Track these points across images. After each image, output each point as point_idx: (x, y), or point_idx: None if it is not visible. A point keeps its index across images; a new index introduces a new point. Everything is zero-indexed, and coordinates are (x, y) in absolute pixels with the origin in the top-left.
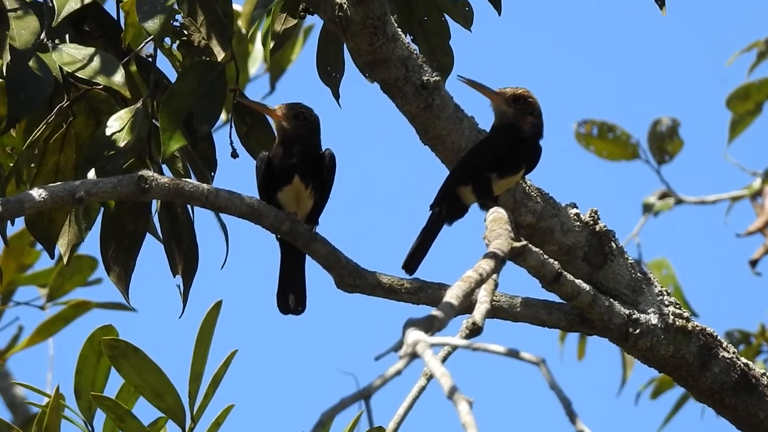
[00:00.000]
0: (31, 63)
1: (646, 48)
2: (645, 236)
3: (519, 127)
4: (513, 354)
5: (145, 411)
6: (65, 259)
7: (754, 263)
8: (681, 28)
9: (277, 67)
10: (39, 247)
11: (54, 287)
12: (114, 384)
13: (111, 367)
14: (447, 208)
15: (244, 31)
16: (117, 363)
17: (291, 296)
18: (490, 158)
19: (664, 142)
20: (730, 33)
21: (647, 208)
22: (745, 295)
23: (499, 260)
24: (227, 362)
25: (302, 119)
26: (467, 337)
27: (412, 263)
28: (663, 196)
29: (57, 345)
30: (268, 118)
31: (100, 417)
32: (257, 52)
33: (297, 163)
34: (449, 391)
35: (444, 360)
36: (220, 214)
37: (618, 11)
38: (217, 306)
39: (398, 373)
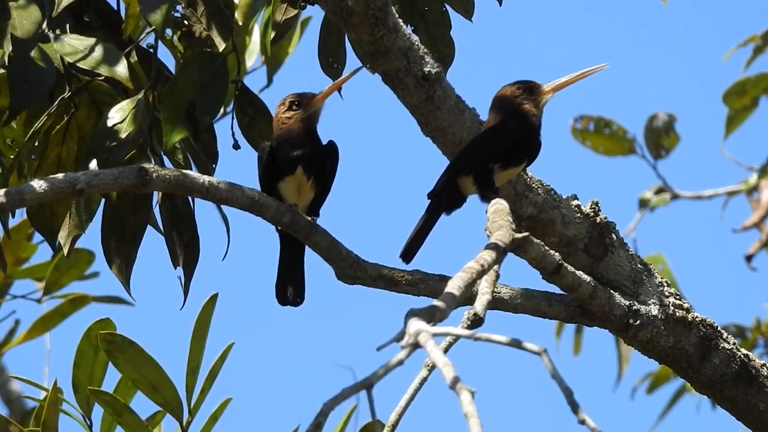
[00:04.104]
0: (33, 54)
1: (643, 43)
2: (641, 231)
3: (530, 118)
4: (515, 344)
5: (142, 405)
6: (65, 251)
7: (749, 258)
8: (677, 23)
9: (274, 59)
10: (36, 240)
11: (51, 281)
12: (112, 378)
13: (109, 361)
14: (446, 197)
15: (240, 23)
16: (114, 357)
17: (290, 288)
18: (500, 148)
19: (661, 138)
20: (727, 28)
21: (643, 203)
22: (740, 290)
23: (500, 251)
24: (224, 355)
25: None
26: (468, 328)
27: (409, 252)
28: (659, 191)
29: (54, 339)
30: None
31: (98, 411)
32: (254, 45)
33: (302, 154)
34: (451, 382)
35: (446, 351)
36: (222, 205)
37: (615, 6)
38: (213, 299)
39: (400, 363)
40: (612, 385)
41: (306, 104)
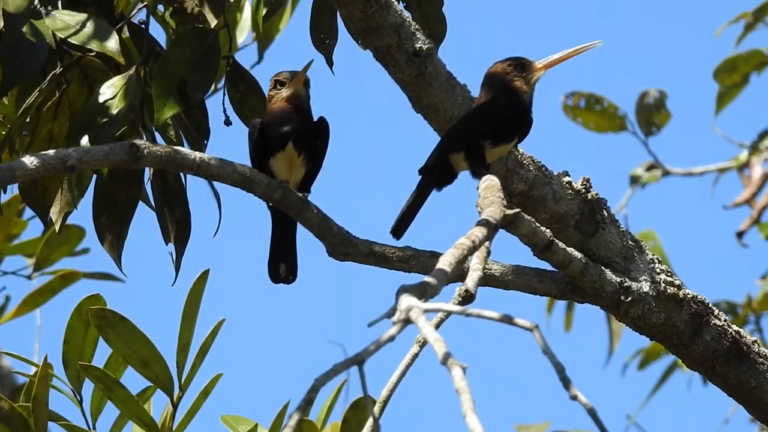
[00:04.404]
0: (24, 29)
1: (634, 20)
2: (632, 208)
3: (521, 95)
4: (507, 320)
5: (133, 380)
6: (57, 227)
7: (740, 235)
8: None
9: (265, 36)
10: (26, 216)
11: (41, 257)
12: (102, 354)
13: (99, 336)
14: (437, 173)
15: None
16: (104, 333)
17: (282, 265)
18: (492, 124)
19: (652, 114)
20: (718, 5)
21: (634, 180)
22: (731, 267)
23: (491, 228)
24: (215, 331)
25: (308, 87)
26: (460, 304)
27: (399, 228)
28: (650, 168)
29: (44, 315)
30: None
31: (88, 386)
32: (245, 21)
33: (292, 131)
34: (443, 357)
35: (437, 327)
36: (213, 182)
37: None
38: (204, 275)
39: (392, 338)
40: (603, 362)
41: (288, 84)
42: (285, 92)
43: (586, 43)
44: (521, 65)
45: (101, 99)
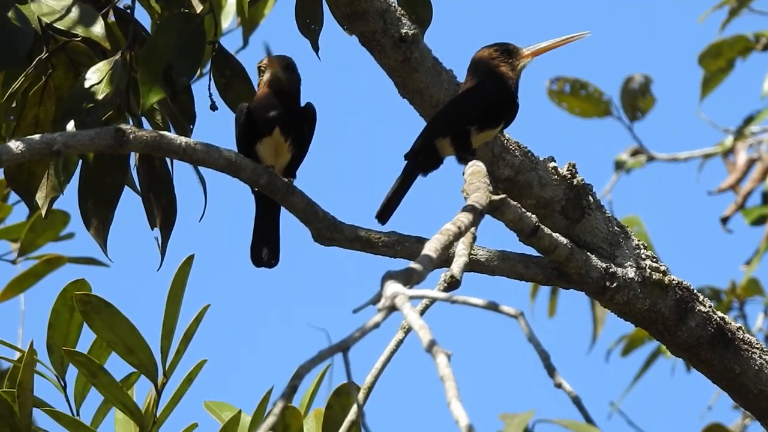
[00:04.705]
0: (9, 14)
1: (619, 5)
2: (617, 193)
3: (507, 81)
4: (492, 307)
5: (117, 366)
6: (43, 212)
7: (725, 220)
8: None
9: (250, 21)
10: (11, 201)
11: (26, 242)
12: (86, 339)
13: (83, 322)
14: (423, 159)
15: None
16: (89, 318)
17: (265, 249)
18: (478, 109)
19: (637, 99)
20: None
21: (619, 165)
22: (716, 252)
23: (477, 213)
24: (199, 317)
25: (291, 70)
26: (445, 290)
27: (385, 213)
28: (635, 153)
29: (29, 300)
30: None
31: (72, 372)
32: (230, 6)
33: (279, 115)
34: (428, 344)
35: (422, 313)
36: (199, 167)
37: None
38: (189, 261)
39: (377, 325)
40: (587, 348)
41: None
42: (264, 77)
43: (574, 34)
44: (508, 51)
45: (87, 84)
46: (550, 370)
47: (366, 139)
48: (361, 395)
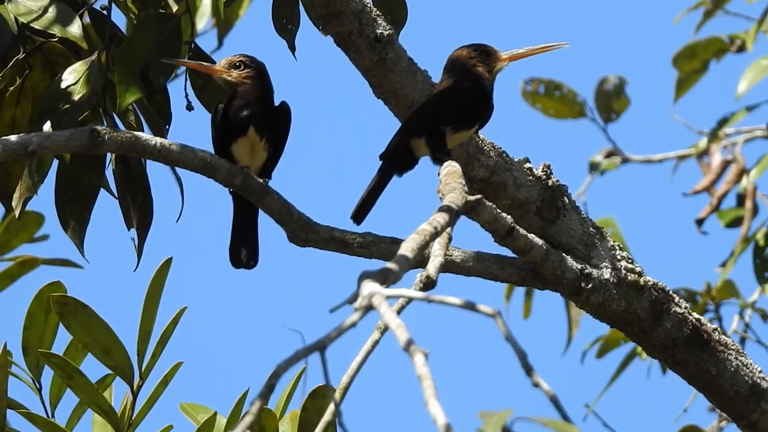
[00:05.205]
0: None
1: (593, 5)
2: (591, 195)
3: (483, 81)
4: (469, 306)
5: (93, 368)
6: (17, 213)
7: (700, 222)
8: None
9: (225, 22)
10: None
11: (0, 244)
12: (62, 341)
13: (59, 323)
14: (398, 159)
15: None
16: (65, 320)
17: (243, 250)
18: (453, 110)
19: (611, 101)
20: None
21: (594, 167)
22: (691, 254)
23: (453, 214)
24: (176, 319)
25: (243, 67)
26: (421, 290)
27: (360, 213)
28: (609, 155)
29: (3, 302)
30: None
31: (48, 374)
32: (205, 7)
33: (252, 114)
34: (405, 343)
35: (398, 313)
36: (175, 167)
37: None
38: (167, 264)
39: (354, 324)
40: (561, 349)
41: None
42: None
43: (553, 43)
44: (486, 52)
45: (63, 84)
46: (528, 369)
47: (341, 139)
48: (337, 395)
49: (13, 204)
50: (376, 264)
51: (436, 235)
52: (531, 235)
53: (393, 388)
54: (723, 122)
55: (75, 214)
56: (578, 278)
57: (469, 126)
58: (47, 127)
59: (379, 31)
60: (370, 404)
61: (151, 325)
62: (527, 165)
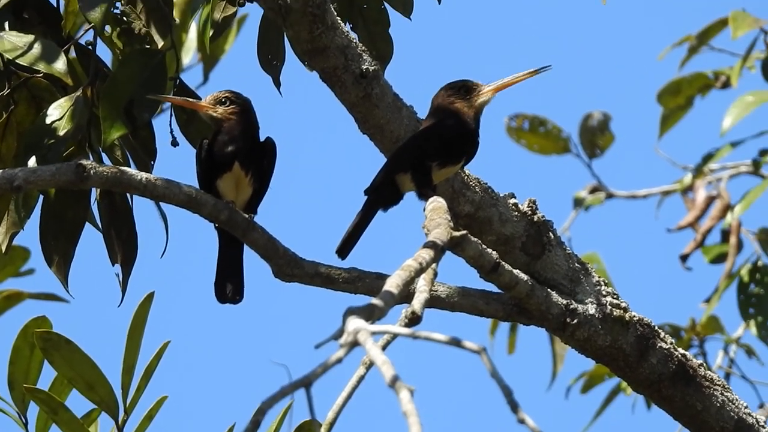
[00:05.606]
0: None
1: (578, 42)
2: (576, 230)
3: (466, 117)
4: (454, 342)
5: (78, 403)
6: (3, 248)
7: (684, 258)
8: (613, 22)
9: (211, 56)
10: None
11: None
12: (48, 376)
13: (44, 358)
14: (383, 194)
15: (178, 20)
16: (49, 355)
17: (229, 285)
18: (439, 146)
19: (595, 137)
20: (662, 27)
21: (578, 203)
22: (675, 290)
23: (438, 250)
24: (159, 354)
25: (228, 103)
26: (406, 326)
27: (345, 248)
28: (594, 191)
29: None
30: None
31: (33, 409)
32: (191, 42)
33: (237, 150)
34: (390, 380)
35: (383, 349)
36: (160, 202)
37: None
38: (149, 298)
39: (339, 361)
40: (546, 385)
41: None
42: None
43: (536, 68)
44: (466, 88)
45: (48, 120)
46: (513, 406)
47: (326, 174)
48: (323, 431)
49: (0, 239)
50: (361, 299)
51: (421, 270)
52: (516, 271)
53: (378, 424)
54: (708, 158)
55: (60, 249)
56: (563, 314)
57: (455, 161)
58: (32, 162)
59: (365, 67)
60: None
61: (134, 359)
62: (512, 200)
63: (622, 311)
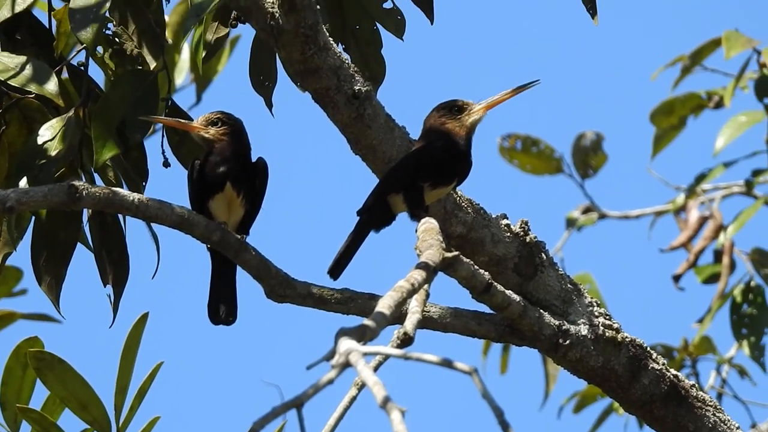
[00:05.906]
0: None
1: (571, 62)
2: (568, 251)
3: (457, 138)
4: (446, 363)
5: (70, 423)
6: None
7: (677, 278)
8: (605, 42)
9: (203, 77)
10: None
11: None
12: (40, 396)
13: (36, 378)
14: (375, 215)
15: (169, 41)
16: (42, 375)
17: (222, 306)
18: (430, 167)
19: (588, 157)
20: (655, 48)
21: (571, 223)
22: (668, 310)
23: (430, 271)
24: (153, 374)
25: (220, 124)
26: (398, 347)
27: (337, 269)
28: (586, 211)
29: None
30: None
31: (26, 429)
32: (183, 63)
33: (229, 170)
34: (382, 401)
35: (375, 370)
36: (152, 223)
37: (543, 24)
38: (143, 318)
39: (330, 381)
40: (539, 404)
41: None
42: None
43: (526, 83)
44: (457, 108)
45: (40, 140)
46: (505, 426)
47: (318, 195)
48: None
49: None
50: (353, 320)
51: (413, 291)
52: (508, 292)
53: None
54: (700, 178)
55: (51, 270)
56: (556, 334)
57: (447, 182)
58: (24, 182)
59: (357, 88)
60: None
61: (128, 379)
62: (505, 221)
63: (614, 332)
